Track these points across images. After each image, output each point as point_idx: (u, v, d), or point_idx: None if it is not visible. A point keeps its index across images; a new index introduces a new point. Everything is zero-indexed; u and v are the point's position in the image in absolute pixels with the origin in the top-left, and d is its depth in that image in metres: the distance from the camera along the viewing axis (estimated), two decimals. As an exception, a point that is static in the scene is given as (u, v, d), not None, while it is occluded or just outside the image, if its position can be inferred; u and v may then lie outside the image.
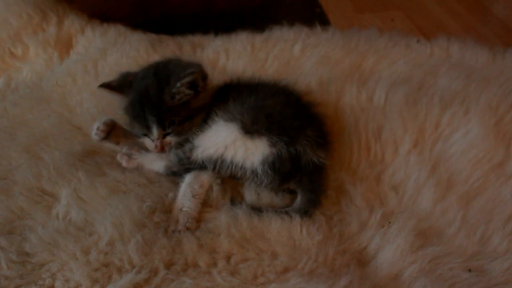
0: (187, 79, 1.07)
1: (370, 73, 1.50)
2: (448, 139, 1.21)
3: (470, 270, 0.95)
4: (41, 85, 1.57)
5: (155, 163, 1.15)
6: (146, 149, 1.16)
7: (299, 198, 1.08)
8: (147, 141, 1.13)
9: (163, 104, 1.08)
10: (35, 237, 1.00)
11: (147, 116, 1.08)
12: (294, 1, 2.31)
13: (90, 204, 1.08)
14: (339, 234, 1.04)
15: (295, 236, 1.00)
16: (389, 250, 0.99)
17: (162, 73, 1.12)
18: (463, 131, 1.21)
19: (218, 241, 0.99)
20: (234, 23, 1.81)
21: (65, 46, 1.72)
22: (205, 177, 1.09)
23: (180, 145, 1.12)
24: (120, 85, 1.14)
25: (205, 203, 1.08)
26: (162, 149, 1.12)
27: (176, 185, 1.10)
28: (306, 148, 1.06)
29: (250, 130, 1.05)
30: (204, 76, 1.14)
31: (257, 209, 1.05)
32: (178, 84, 1.07)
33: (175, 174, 1.13)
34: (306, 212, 1.05)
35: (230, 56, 1.62)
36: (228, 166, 1.06)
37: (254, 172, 1.05)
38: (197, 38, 1.75)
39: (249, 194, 1.11)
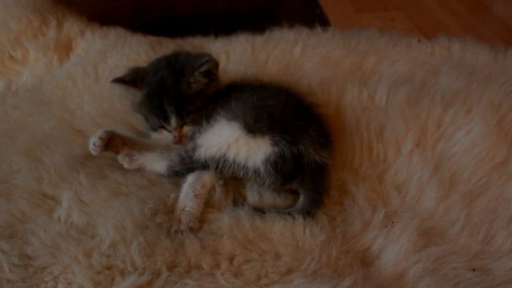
0: (204, 68, 1.12)
1: (371, 73, 1.50)
2: (451, 138, 1.21)
3: (474, 270, 0.95)
4: (41, 88, 1.57)
5: (157, 163, 1.15)
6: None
7: (301, 198, 1.08)
8: (164, 133, 1.15)
9: (180, 93, 1.12)
10: (36, 241, 0.99)
11: (166, 107, 1.11)
12: (294, 2, 2.31)
13: (91, 206, 1.08)
14: (342, 234, 1.03)
15: (298, 237, 1.00)
16: (393, 250, 0.98)
17: (175, 65, 1.16)
18: (465, 130, 1.21)
19: (221, 243, 0.98)
20: (234, 24, 1.82)
21: (65, 49, 1.72)
22: (207, 177, 1.09)
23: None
24: (133, 79, 1.16)
25: (208, 204, 1.07)
26: (180, 140, 1.14)
27: (178, 186, 1.10)
28: (308, 147, 1.06)
29: (252, 129, 1.05)
30: (216, 64, 1.17)
31: (259, 210, 1.05)
32: (196, 73, 1.11)
33: (177, 174, 1.13)
34: (309, 213, 1.04)
35: (231, 57, 1.62)
36: (231, 165, 1.06)
37: (256, 172, 1.05)
38: (197, 40, 1.75)
39: (251, 195, 1.11)
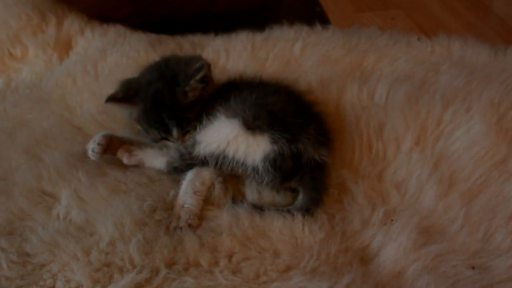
0: (200, 75, 1.10)
1: (371, 71, 1.49)
2: (450, 136, 1.21)
3: (473, 268, 0.94)
4: (41, 86, 1.57)
5: (156, 159, 1.14)
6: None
7: (300, 196, 1.07)
8: (167, 142, 1.15)
9: (178, 104, 1.10)
10: (35, 238, 0.99)
11: (166, 121, 1.10)
12: (294, 1, 2.31)
13: (90, 204, 1.07)
14: (341, 232, 1.03)
15: (297, 235, 1.00)
16: (392, 248, 0.98)
17: (168, 74, 1.13)
18: (465, 128, 1.21)
19: (219, 240, 0.98)
20: (234, 22, 1.81)
21: (64, 47, 1.72)
22: (207, 174, 1.08)
23: None
24: (126, 95, 1.14)
25: (207, 201, 1.07)
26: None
27: (177, 183, 1.10)
28: (307, 146, 1.06)
29: (252, 126, 1.05)
30: (209, 67, 1.16)
31: (258, 208, 1.05)
32: (192, 81, 1.09)
33: (176, 170, 1.12)
34: (308, 210, 1.04)
35: (231, 55, 1.61)
36: (230, 162, 1.05)
37: (255, 169, 1.05)
38: (197, 38, 1.75)
39: (251, 193, 1.11)
